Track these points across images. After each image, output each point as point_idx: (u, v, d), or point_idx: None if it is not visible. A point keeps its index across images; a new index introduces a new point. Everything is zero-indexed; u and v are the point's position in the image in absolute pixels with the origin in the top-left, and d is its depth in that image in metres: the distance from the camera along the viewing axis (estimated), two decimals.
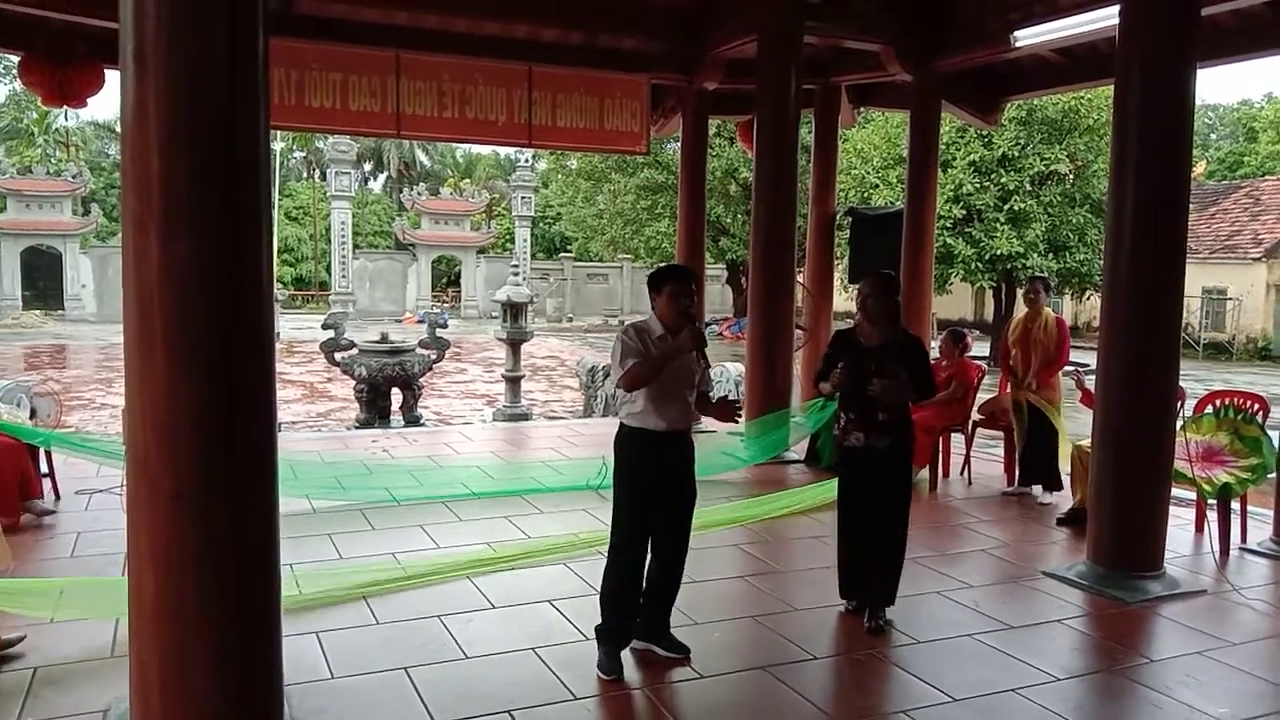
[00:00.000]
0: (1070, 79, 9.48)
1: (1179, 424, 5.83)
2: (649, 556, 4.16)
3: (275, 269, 36.61)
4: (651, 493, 4.07)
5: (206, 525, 2.88)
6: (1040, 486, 7.23)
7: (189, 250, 2.77)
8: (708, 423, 9.68)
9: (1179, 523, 6.07)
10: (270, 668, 3.07)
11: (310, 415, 15.17)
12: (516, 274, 13.23)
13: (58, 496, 6.46)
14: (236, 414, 2.91)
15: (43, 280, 34.14)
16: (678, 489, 4.13)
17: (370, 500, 6.69)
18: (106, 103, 53.82)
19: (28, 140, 38.95)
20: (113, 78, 5.56)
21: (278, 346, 21.61)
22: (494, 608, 4.78)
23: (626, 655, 4.15)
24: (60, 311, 33.48)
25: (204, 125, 2.78)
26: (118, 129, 3.10)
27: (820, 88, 9.97)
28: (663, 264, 4.67)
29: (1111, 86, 5.51)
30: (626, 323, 4.28)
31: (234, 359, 2.89)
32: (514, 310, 12.13)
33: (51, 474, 6.51)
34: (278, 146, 45.02)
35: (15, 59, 7.62)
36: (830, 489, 5.76)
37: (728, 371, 11.55)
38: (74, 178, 33.93)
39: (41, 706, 3.64)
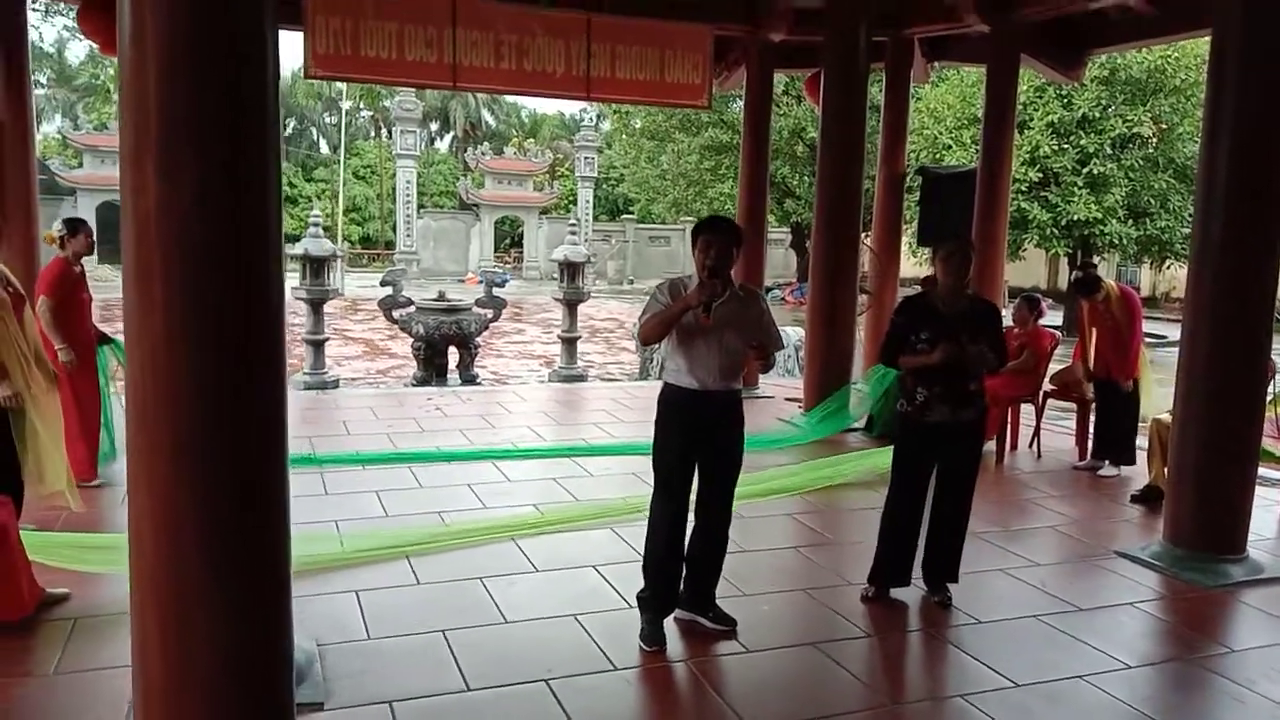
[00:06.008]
0: (1160, 31, 8.88)
1: (1268, 399, 5.47)
2: (691, 522, 4.00)
3: (342, 227, 36.74)
4: (684, 452, 3.87)
5: (209, 481, 2.67)
6: (1108, 461, 6.91)
7: (189, 183, 2.57)
8: (765, 387, 9.49)
9: (1265, 504, 5.74)
10: (278, 632, 2.86)
11: (369, 372, 15.28)
12: (574, 233, 13.07)
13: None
14: (241, 361, 2.69)
15: (116, 235, 34.78)
16: (716, 451, 3.92)
17: (419, 458, 6.64)
18: None
19: (104, 96, 39.67)
20: None
21: (340, 303, 21.86)
22: (537, 571, 4.67)
23: (670, 626, 4.01)
24: None
25: (207, 46, 2.56)
26: None
27: (892, 40, 9.54)
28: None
29: (1206, 40, 5.11)
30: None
31: (238, 300, 2.66)
32: (571, 270, 11.97)
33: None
34: (345, 105, 45.47)
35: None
36: (883, 458, 5.53)
37: (788, 336, 11.27)
38: None
39: (77, 659, 3.62)
